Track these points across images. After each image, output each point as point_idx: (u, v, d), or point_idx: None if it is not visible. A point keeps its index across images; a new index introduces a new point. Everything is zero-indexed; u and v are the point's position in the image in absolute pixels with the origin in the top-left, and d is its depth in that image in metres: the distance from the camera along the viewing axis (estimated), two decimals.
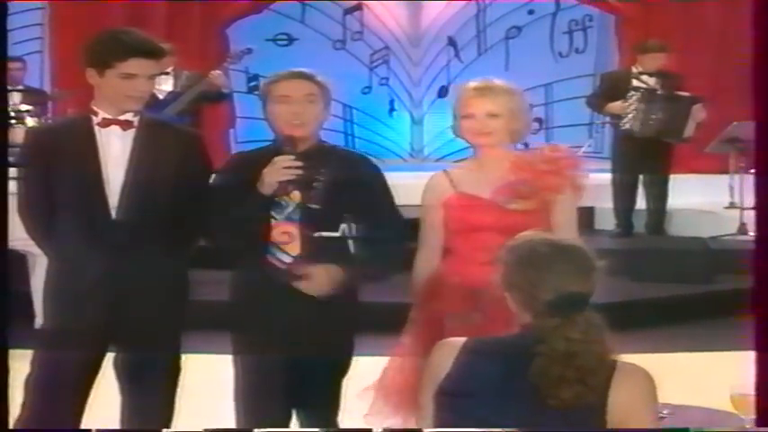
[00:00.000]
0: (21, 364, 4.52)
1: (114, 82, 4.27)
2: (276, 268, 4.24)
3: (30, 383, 4.41)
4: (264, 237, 4.23)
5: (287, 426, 4.36)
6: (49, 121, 9.37)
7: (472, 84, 4.38)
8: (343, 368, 4.39)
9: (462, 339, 3.19)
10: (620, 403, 3.00)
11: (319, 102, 4.33)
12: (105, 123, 4.34)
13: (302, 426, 4.42)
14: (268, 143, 4.50)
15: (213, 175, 4.50)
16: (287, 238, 4.24)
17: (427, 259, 4.35)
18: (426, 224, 4.35)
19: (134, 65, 4.27)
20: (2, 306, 2.97)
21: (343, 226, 4.30)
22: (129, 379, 4.49)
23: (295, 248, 4.24)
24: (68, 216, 4.31)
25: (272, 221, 4.24)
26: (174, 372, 4.52)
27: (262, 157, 4.28)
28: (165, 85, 10.30)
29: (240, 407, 4.36)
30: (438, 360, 3.18)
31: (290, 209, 4.24)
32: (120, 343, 4.46)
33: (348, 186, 4.25)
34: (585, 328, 3.03)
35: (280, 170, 4.14)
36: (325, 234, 4.25)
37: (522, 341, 3.06)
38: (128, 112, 4.36)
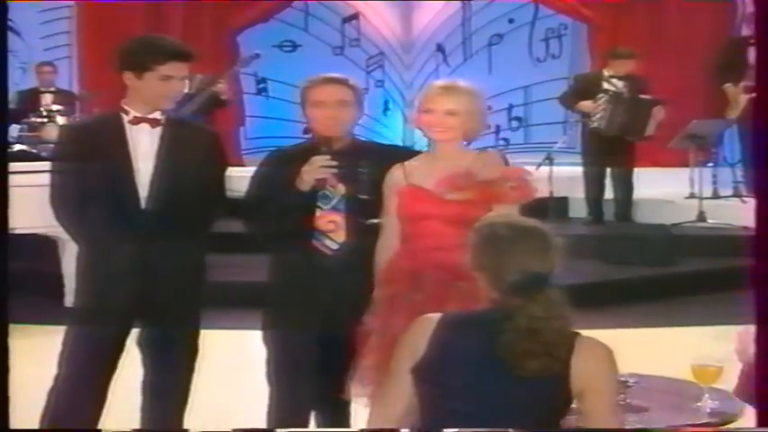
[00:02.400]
0: (53, 338, 4.55)
1: (153, 83, 4.27)
2: (321, 252, 4.25)
3: (63, 357, 4.42)
4: (310, 224, 4.23)
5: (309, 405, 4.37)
6: (82, 119, 9.28)
7: (439, 82, 4.33)
8: None
9: (438, 315, 3.17)
10: (582, 372, 3.00)
11: (351, 105, 4.33)
12: (136, 121, 4.33)
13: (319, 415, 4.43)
14: (304, 140, 4.54)
15: (255, 168, 4.48)
16: (333, 226, 4.24)
17: (386, 245, 4.25)
18: (385, 212, 4.27)
19: (172, 68, 4.28)
20: (2, 308, 2.86)
21: None
22: (153, 353, 4.49)
23: (341, 236, 4.24)
24: (101, 205, 4.29)
25: (318, 211, 4.24)
26: (193, 346, 4.51)
27: (300, 153, 4.30)
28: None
29: (272, 381, 4.37)
30: (415, 335, 3.15)
31: (335, 200, 4.24)
32: (146, 320, 4.45)
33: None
34: (547, 305, 3.02)
35: (317, 169, 4.14)
36: (373, 221, 4.24)
37: (492, 316, 3.06)
38: (161, 110, 4.37)
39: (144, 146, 4.32)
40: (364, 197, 4.19)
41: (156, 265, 4.28)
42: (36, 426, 3.17)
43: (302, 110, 4.37)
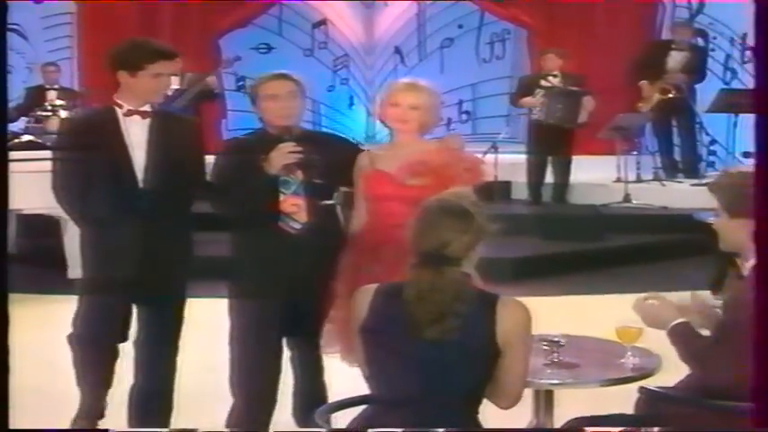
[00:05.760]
0: (57, 306, 4.54)
1: (145, 80, 4.31)
2: (287, 232, 4.25)
3: (76, 322, 4.50)
4: (275, 208, 4.24)
5: (279, 356, 4.35)
6: (80, 113, 9.17)
7: (404, 80, 4.43)
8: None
9: (375, 285, 3.16)
10: (505, 329, 3.00)
11: (299, 96, 4.34)
12: (129, 113, 4.36)
13: (292, 350, 4.41)
14: (255, 130, 4.53)
15: (215, 156, 4.47)
16: (296, 208, 4.25)
17: (357, 220, 4.34)
18: (355, 193, 4.35)
19: (161, 66, 4.32)
20: (2, 308, 2.76)
21: (336, 194, 4.37)
22: (146, 315, 4.50)
23: (303, 216, 4.26)
24: (102, 188, 4.31)
25: (282, 196, 4.25)
26: (179, 314, 4.52)
27: (257, 142, 4.33)
28: (173, 84, 10.54)
29: (236, 340, 4.35)
30: (357, 304, 3.15)
31: (295, 186, 4.25)
32: (144, 287, 4.41)
33: (338, 162, 4.28)
34: (452, 278, 3.01)
35: (285, 154, 4.16)
36: (327, 203, 4.33)
37: (406, 286, 3.05)
38: (151, 103, 4.40)
39: (137, 134, 4.35)
40: (319, 182, 4.25)
41: (153, 239, 4.30)
42: (35, 426, 3.12)
43: (254, 105, 4.37)
